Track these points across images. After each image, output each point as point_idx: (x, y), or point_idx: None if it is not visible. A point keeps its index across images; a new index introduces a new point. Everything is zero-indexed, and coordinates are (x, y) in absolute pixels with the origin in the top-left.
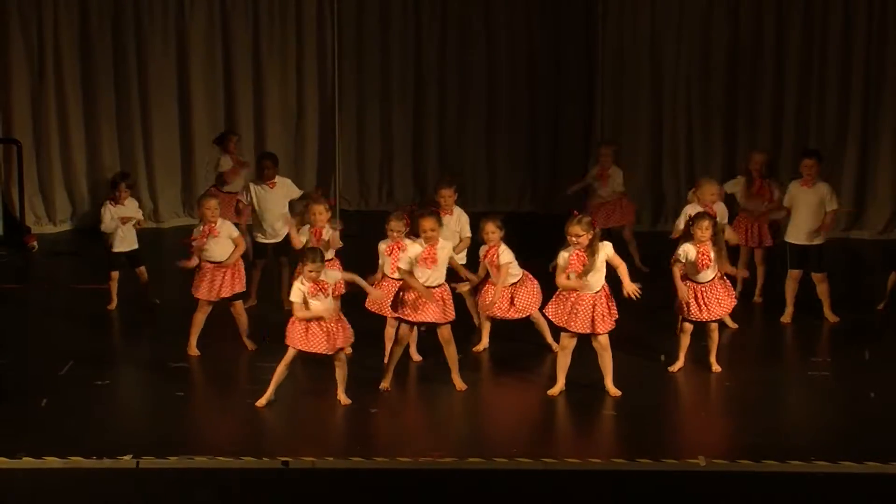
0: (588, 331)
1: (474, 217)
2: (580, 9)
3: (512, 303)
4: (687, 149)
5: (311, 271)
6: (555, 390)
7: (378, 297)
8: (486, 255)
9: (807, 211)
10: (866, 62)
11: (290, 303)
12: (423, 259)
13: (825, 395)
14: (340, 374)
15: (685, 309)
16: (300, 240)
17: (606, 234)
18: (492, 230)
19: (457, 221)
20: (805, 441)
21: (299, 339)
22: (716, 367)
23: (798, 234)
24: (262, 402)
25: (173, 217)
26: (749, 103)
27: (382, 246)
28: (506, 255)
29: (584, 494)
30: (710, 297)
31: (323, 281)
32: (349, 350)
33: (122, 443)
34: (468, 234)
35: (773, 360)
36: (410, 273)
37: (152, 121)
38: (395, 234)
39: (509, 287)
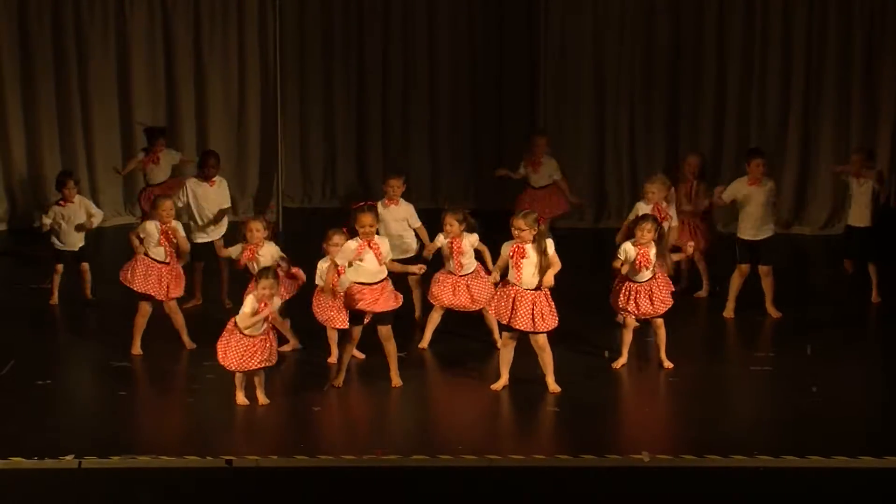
0: (529, 328)
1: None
2: (522, 7)
3: (470, 294)
4: (629, 147)
5: (264, 288)
6: (498, 385)
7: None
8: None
9: (756, 208)
10: (807, 61)
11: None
12: (357, 254)
13: (768, 391)
14: (257, 379)
15: (620, 305)
16: (228, 251)
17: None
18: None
19: (404, 211)
20: (748, 436)
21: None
22: (667, 364)
23: (748, 230)
24: (241, 400)
25: (115, 216)
26: (691, 102)
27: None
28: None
29: (528, 491)
30: (646, 296)
31: (267, 305)
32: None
33: (64, 443)
34: (419, 223)
35: (716, 355)
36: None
37: (93, 119)
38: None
39: (465, 278)
